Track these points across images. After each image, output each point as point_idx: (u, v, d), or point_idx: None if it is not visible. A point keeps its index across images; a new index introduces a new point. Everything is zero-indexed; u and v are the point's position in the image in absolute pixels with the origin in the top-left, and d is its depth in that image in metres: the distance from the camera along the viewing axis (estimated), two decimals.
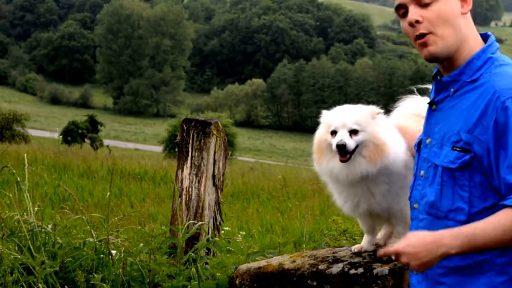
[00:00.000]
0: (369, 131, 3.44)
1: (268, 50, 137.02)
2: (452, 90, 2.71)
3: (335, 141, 3.40)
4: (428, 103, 2.87)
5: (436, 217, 2.71)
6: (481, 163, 2.57)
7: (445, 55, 2.67)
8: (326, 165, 3.52)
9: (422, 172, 2.80)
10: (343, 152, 3.39)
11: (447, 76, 2.72)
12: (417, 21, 2.62)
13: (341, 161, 3.42)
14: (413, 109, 3.86)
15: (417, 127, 3.60)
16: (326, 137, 3.51)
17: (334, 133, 3.45)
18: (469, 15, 2.69)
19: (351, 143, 3.40)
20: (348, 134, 3.42)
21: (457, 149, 2.62)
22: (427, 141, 2.80)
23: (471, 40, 2.68)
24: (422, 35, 2.63)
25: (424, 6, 2.62)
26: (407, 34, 2.70)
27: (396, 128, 3.67)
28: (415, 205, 2.82)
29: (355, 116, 3.47)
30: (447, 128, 2.69)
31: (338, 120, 3.47)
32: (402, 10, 2.69)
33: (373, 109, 3.55)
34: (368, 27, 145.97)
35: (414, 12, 2.62)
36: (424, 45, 2.65)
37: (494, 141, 2.53)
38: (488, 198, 2.58)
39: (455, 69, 2.70)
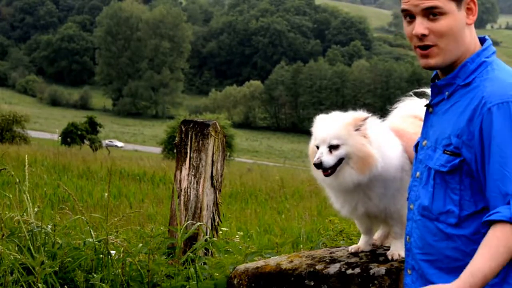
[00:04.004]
0: (352, 143, 3.39)
1: (266, 52, 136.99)
2: (446, 93, 2.73)
3: (314, 158, 3.40)
4: (425, 106, 2.89)
5: (428, 218, 2.73)
6: (470, 167, 2.60)
7: (443, 66, 2.70)
8: (318, 174, 3.52)
9: (418, 173, 2.82)
10: (320, 169, 3.39)
11: (442, 80, 2.74)
12: (424, 35, 2.62)
13: (324, 175, 3.43)
14: (410, 111, 3.87)
15: (414, 129, 3.62)
16: (314, 149, 3.50)
17: (317, 147, 3.45)
18: (473, 26, 2.71)
19: (328, 159, 3.37)
20: (327, 150, 3.38)
21: (448, 152, 2.64)
22: (424, 143, 2.82)
23: (472, 47, 2.70)
24: (426, 47, 2.64)
25: (432, 19, 2.61)
26: (409, 38, 2.71)
27: (393, 131, 3.69)
28: (411, 206, 2.84)
29: (335, 131, 3.40)
30: (440, 131, 2.71)
31: (319, 135, 3.44)
32: (407, 14, 2.68)
33: (357, 116, 3.47)
34: (365, 30, 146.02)
35: (421, 25, 2.61)
36: (425, 56, 2.66)
37: (480, 148, 2.55)
38: (478, 202, 2.61)
39: (452, 72, 2.72)
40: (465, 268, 2.60)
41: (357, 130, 3.42)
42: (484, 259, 2.46)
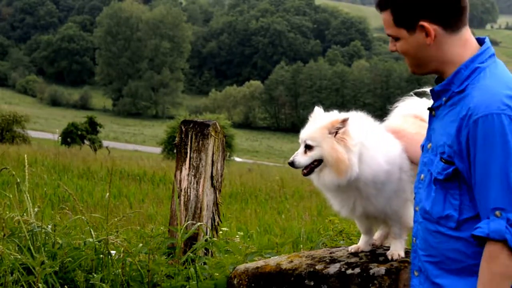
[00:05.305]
0: (325, 147, 3.43)
1: (266, 52, 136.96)
2: (444, 99, 2.76)
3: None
4: (428, 109, 2.91)
5: (429, 221, 2.76)
6: (463, 175, 2.63)
7: (421, 74, 2.84)
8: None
9: (422, 175, 2.83)
10: (293, 167, 3.49)
11: (438, 86, 2.78)
12: (393, 51, 2.84)
13: (302, 175, 3.52)
14: (411, 110, 3.87)
15: (415, 129, 3.62)
16: None
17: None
18: (445, 39, 2.72)
19: (301, 160, 3.46)
20: (303, 150, 3.47)
21: (443, 160, 2.68)
22: (428, 146, 2.84)
23: (456, 55, 2.72)
24: None
25: (395, 41, 2.80)
26: None
27: (394, 131, 3.68)
28: (416, 208, 2.87)
29: (310, 132, 3.48)
30: (438, 137, 2.75)
31: (301, 134, 3.53)
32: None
33: (335, 119, 3.48)
34: (364, 30, 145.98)
35: (391, 44, 2.84)
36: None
37: (467, 159, 2.59)
38: (477, 207, 2.62)
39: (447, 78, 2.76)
40: (467, 269, 2.64)
41: (333, 133, 3.43)
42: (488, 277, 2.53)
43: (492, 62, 2.71)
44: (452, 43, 2.73)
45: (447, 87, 2.74)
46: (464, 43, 2.74)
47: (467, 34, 2.75)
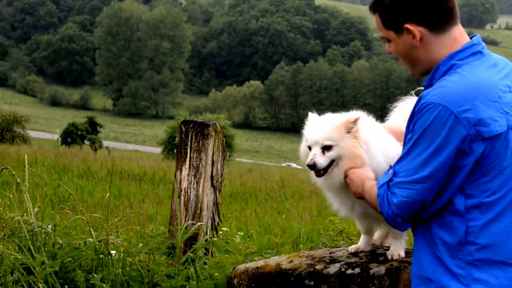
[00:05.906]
0: (343, 145, 3.43)
1: (266, 52, 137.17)
2: None
3: (308, 158, 3.46)
4: None
5: None
6: None
7: (418, 76, 2.93)
8: (311, 175, 3.57)
9: None
10: (314, 170, 3.45)
11: (424, 82, 2.88)
12: (390, 52, 2.96)
13: (316, 176, 3.49)
14: (411, 110, 3.87)
15: None
16: (306, 150, 3.55)
17: (310, 148, 3.50)
18: (432, 39, 2.79)
19: (322, 160, 3.43)
20: (320, 151, 3.44)
21: None
22: None
23: (444, 54, 2.78)
24: None
25: (389, 44, 2.92)
26: None
27: (394, 131, 3.68)
28: None
29: (328, 132, 3.46)
30: None
31: (312, 136, 3.49)
32: None
33: (348, 117, 3.49)
34: (364, 30, 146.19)
35: (387, 45, 2.96)
36: None
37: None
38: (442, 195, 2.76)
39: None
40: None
41: (348, 132, 3.44)
42: (366, 187, 3.13)
43: (474, 60, 2.75)
44: (439, 43, 2.78)
45: (430, 82, 2.82)
46: (453, 43, 2.79)
47: (457, 33, 2.80)
